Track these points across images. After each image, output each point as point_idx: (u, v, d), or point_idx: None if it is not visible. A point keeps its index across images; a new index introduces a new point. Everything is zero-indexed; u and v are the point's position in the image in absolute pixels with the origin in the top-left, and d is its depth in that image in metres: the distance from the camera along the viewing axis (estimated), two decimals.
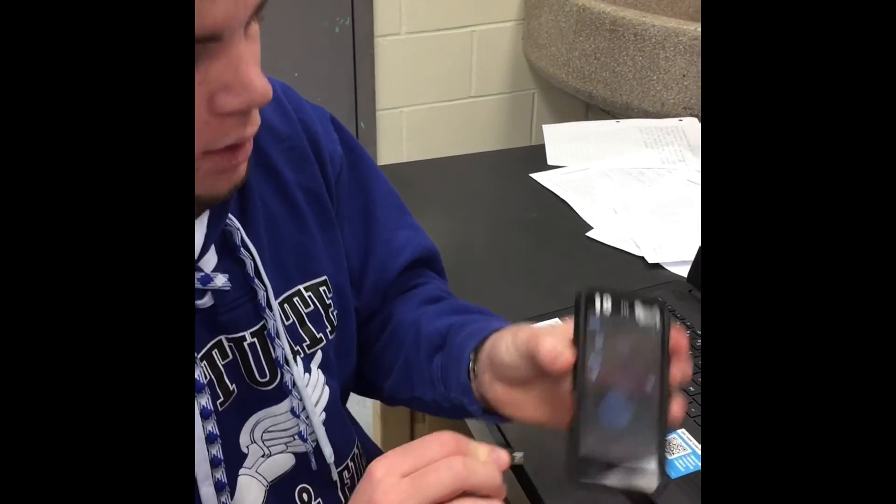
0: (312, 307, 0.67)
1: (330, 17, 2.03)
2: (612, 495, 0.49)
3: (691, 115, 1.75)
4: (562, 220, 1.12)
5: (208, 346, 0.61)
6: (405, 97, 2.18)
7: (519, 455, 0.52)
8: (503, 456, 0.51)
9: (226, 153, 0.52)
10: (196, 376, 0.58)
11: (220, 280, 0.59)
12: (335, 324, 0.69)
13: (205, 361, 0.60)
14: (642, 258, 1.03)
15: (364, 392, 0.81)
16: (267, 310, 0.63)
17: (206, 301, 0.60)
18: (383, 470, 0.49)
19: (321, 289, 0.68)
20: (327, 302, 0.69)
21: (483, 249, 1.08)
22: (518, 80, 2.27)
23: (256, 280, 0.62)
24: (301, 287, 0.67)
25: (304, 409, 0.66)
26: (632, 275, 1.01)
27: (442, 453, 0.49)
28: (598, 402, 0.50)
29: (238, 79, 0.49)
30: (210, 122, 0.50)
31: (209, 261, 0.60)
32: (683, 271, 0.99)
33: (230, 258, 0.62)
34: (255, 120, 0.53)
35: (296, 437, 0.67)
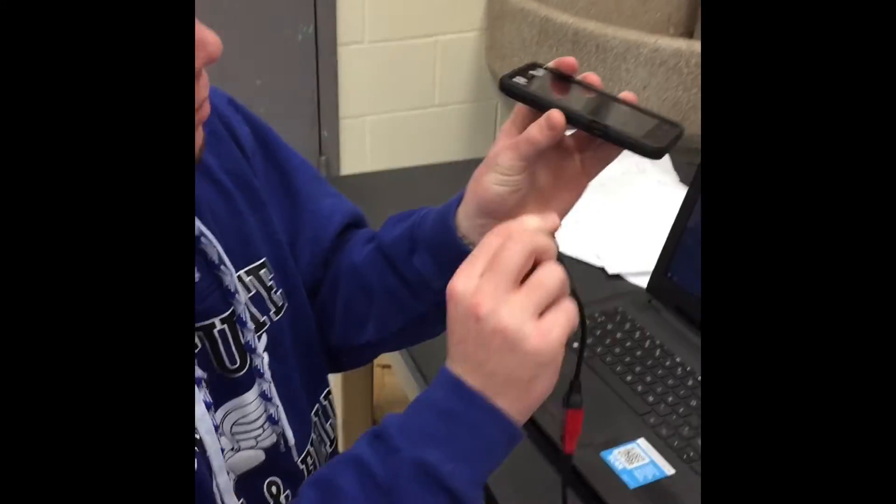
0: (254, 291, 0.67)
1: (293, 25, 2.02)
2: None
3: None
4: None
5: None
6: (368, 106, 2.18)
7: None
8: (552, 217, 0.54)
9: None
10: None
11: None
12: (279, 304, 0.68)
13: None
14: (602, 269, 1.04)
15: (346, 363, 0.79)
16: (235, 295, 0.62)
17: None
18: (461, 283, 0.51)
19: (261, 272, 0.67)
20: (268, 284, 0.68)
21: None
22: (481, 89, 2.28)
23: (222, 266, 0.62)
24: (242, 272, 0.66)
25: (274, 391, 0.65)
26: (592, 285, 1.02)
27: (501, 241, 0.51)
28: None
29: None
30: None
31: None
32: (643, 282, 1.00)
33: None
34: (206, 80, 0.53)
35: (265, 426, 0.66)
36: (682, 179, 1.26)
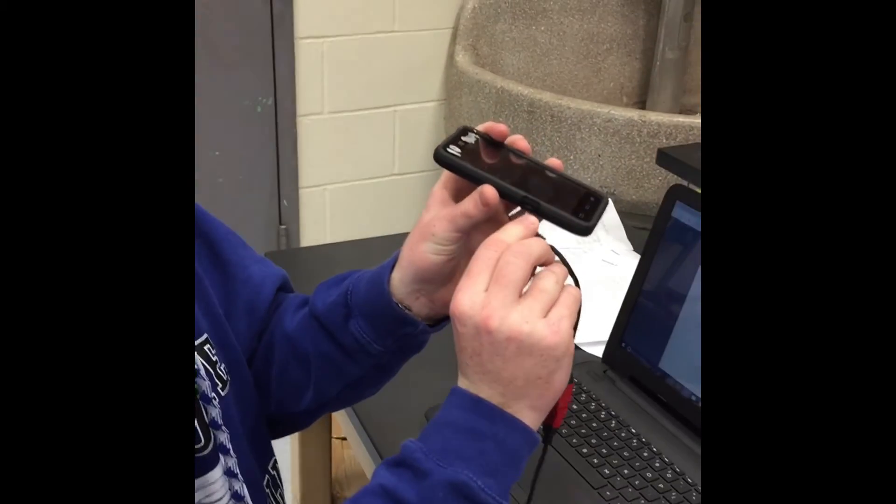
0: (200, 368, 0.66)
1: (252, 97, 2.04)
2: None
3: (607, 193, 1.80)
4: None
5: None
6: (328, 175, 2.19)
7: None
8: (529, 219, 0.55)
9: None
10: None
11: None
12: (225, 378, 0.67)
13: None
14: None
15: (282, 430, 0.78)
16: (199, 372, 0.61)
17: None
18: (466, 300, 0.52)
19: (205, 347, 0.66)
20: (213, 359, 0.67)
21: None
22: None
23: None
24: None
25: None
26: None
27: (496, 255, 0.53)
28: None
29: None
30: None
31: None
32: (598, 351, 1.00)
33: None
34: None
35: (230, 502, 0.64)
36: (636, 248, 1.28)
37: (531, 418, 0.54)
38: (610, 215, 1.35)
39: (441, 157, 0.58)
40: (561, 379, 0.53)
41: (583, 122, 1.79)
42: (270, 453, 0.74)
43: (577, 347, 1.03)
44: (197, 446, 0.62)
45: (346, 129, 2.16)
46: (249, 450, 0.69)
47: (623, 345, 0.96)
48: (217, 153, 2.02)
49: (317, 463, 1.37)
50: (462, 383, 0.54)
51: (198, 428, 0.62)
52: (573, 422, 0.88)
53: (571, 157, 1.82)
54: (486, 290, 0.52)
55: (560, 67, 2.32)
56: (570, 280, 0.56)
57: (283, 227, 2.18)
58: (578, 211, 0.56)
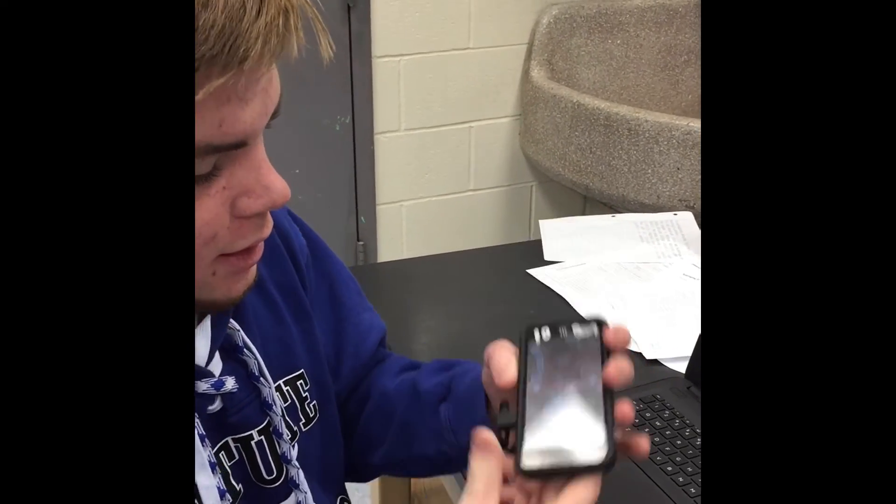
0: (290, 401, 0.67)
1: (331, 116, 2.08)
2: (562, 480, 0.48)
3: (686, 206, 1.77)
4: (559, 315, 1.11)
5: (215, 449, 0.61)
6: (405, 192, 2.21)
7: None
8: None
9: (241, 255, 0.53)
10: (216, 484, 0.58)
11: (230, 383, 0.60)
12: (311, 415, 0.69)
13: (217, 467, 0.60)
14: (640, 354, 1.03)
15: (351, 477, 0.80)
16: (273, 406, 0.63)
17: (216, 406, 0.60)
18: None
19: (298, 382, 0.68)
20: (303, 395, 0.69)
21: (481, 347, 1.07)
22: (516, 173, 2.31)
23: (261, 379, 0.63)
24: (281, 382, 0.67)
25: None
26: None
27: None
28: (542, 405, 0.51)
29: (260, 181, 0.50)
30: (230, 226, 0.50)
31: (216, 365, 0.60)
32: (681, 367, 0.99)
33: (232, 359, 0.62)
34: (270, 222, 0.54)
35: None
36: None
37: None
38: (691, 229, 1.33)
39: (521, 337, 0.55)
40: None
41: (661, 136, 1.76)
42: (342, 489, 0.76)
43: (659, 363, 1.02)
44: (269, 478, 0.64)
45: (421, 146, 2.18)
46: (322, 488, 0.70)
47: None
48: (297, 171, 2.06)
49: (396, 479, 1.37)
50: None
51: (271, 461, 0.64)
52: (657, 439, 0.86)
53: (650, 171, 1.80)
54: None
55: (637, 80, 2.29)
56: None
57: (360, 243, 2.21)
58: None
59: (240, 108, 0.46)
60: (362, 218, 2.19)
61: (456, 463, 0.70)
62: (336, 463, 0.73)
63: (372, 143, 2.12)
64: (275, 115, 0.51)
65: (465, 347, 1.07)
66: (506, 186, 2.32)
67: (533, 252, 1.29)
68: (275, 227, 0.69)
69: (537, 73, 2.10)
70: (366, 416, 0.76)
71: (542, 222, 1.37)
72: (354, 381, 0.77)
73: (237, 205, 0.50)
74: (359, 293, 0.79)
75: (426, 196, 2.24)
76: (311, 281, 0.73)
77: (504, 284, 1.22)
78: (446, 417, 0.68)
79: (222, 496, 0.58)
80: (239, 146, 0.48)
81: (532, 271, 1.23)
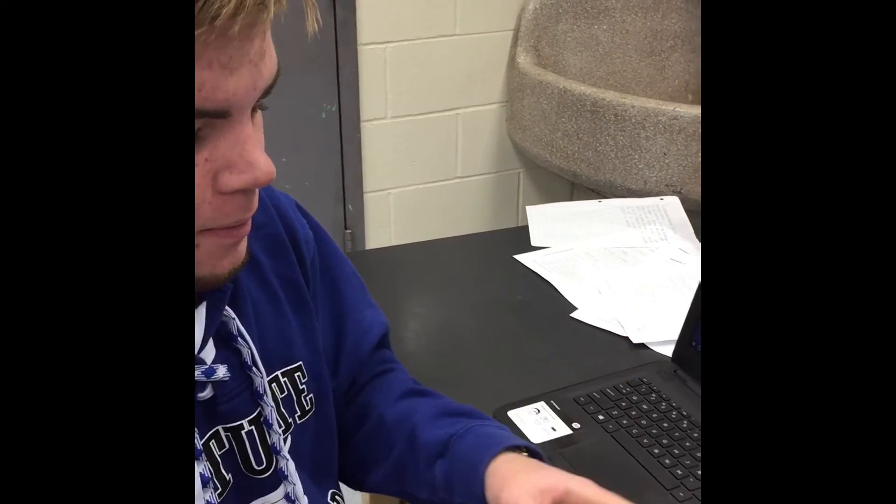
0: (286, 392, 0.67)
1: (317, 104, 2.07)
2: None
3: (673, 191, 1.78)
4: (546, 301, 1.12)
5: (206, 437, 0.61)
6: (392, 179, 2.21)
7: None
8: None
9: (227, 230, 0.52)
10: (200, 471, 0.58)
11: (221, 371, 0.59)
12: (306, 408, 0.69)
13: (203, 454, 0.60)
14: (627, 338, 1.04)
15: (344, 482, 0.80)
16: (264, 397, 0.63)
17: (207, 393, 0.60)
18: None
19: (296, 374, 0.68)
20: (300, 387, 0.69)
21: (468, 332, 1.08)
22: (503, 160, 2.31)
23: (254, 368, 0.63)
24: (279, 373, 0.67)
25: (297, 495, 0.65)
26: (616, 355, 1.01)
27: None
28: None
29: (243, 157, 0.49)
30: (212, 200, 0.50)
31: (209, 352, 0.60)
32: (668, 351, 0.99)
33: (226, 348, 0.62)
34: (255, 201, 0.53)
35: None
36: None
37: None
38: (678, 213, 1.34)
39: None
40: None
41: (647, 121, 1.77)
42: (335, 484, 0.76)
43: (646, 347, 1.03)
44: (258, 468, 0.64)
45: (408, 133, 2.18)
46: (313, 481, 0.70)
47: (693, 344, 0.95)
48: (284, 160, 2.06)
49: None
50: None
51: (261, 451, 0.64)
52: (644, 422, 0.87)
53: (636, 157, 1.81)
54: None
55: (623, 66, 2.30)
56: None
57: (348, 231, 2.21)
58: None
59: (223, 75, 0.45)
60: (350, 206, 2.19)
61: None
62: (329, 457, 0.73)
63: (359, 130, 2.12)
64: (267, 93, 0.51)
65: (452, 332, 1.08)
66: (493, 173, 2.32)
67: (520, 238, 1.29)
68: (281, 218, 0.69)
69: (524, 60, 2.10)
70: (361, 436, 0.76)
71: (528, 208, 1.37)
72: (354, 375, 0.77)
73: (219, 179, 0.49)
74: (362, 289, 0.78)
75: (413, 183, 2.24)
76: (314, 275, 0.73)
77: (491, 270, 1.23)
78: (441, 476, 0.68)
79: (205, 484, 0.58)
80: (220, 115, 0.47)
81: (519, 257, 1.23)
